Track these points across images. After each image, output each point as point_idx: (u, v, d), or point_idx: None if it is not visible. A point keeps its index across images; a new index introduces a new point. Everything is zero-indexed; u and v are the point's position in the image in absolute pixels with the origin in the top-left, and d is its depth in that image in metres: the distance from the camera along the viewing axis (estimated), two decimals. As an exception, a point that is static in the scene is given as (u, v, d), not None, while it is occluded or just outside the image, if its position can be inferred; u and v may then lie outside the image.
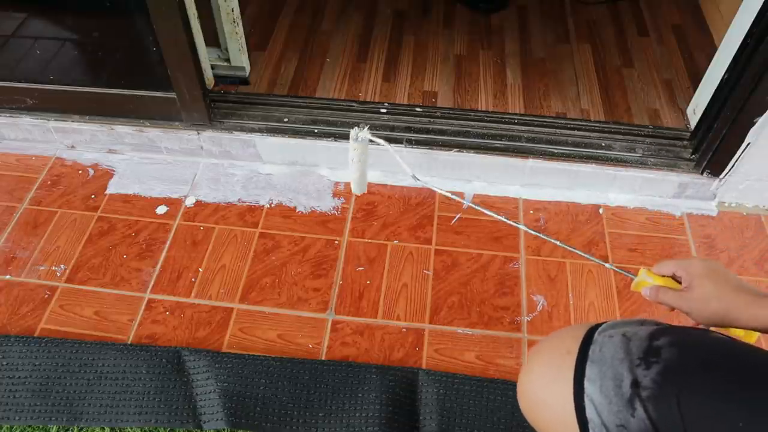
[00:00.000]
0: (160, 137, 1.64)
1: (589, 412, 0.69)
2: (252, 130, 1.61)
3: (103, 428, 1.21)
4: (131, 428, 1.21)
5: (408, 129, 1.61)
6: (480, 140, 1.59)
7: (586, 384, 0.70)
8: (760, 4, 1.27)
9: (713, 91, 1.46)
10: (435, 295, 1.42)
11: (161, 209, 1.58)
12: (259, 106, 1.66)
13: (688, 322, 0.78)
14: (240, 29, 1.67)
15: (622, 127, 1.64)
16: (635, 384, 0.66)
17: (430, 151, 1.57)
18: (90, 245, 1.51)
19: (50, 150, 1.72)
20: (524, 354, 1.32)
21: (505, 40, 2.03)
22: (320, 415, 1.21)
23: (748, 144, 1.43)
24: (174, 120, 1.62)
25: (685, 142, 1.59)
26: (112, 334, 1.35)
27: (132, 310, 1.39)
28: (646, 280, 0.83)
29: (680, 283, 0.79)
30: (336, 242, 1.51)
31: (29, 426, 1.21)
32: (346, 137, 1.59)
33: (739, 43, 1.35)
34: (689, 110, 1.71)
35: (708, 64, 1.56)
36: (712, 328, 0.76)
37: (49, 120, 1.65)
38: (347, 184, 1.63)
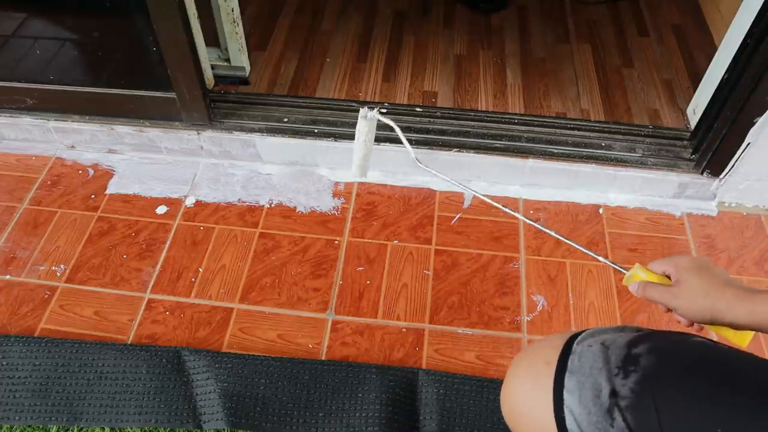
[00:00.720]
0: (160, 137, 1.64)
1: (569, 423, 0.69)
2: (252, 130, 1.61)
3: (103, 428, 1.21)
4: (131, 428, 1.21)
5: (408, 129, 1.61)
6: (480, 140, 1.59)
7: (566, 395, 0.70)
8: (760, 4, 1.27)
9: (713, 91, 1.46)
10: (435, 295, 1.42)
11: (161, 209, 1.58)
12: (259, 106, 1.66)
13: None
14: (240, 29, 1.67)
15: (622, 127, 1.64)
16: (614, 393, 0.66)
17: (430, 151, 1.57)
18: (90, 245, 1.51)
19: (50, 150, 1.72)
20: (524, 354, 1.32)
21: (505, 40, 2.03)
22: (320, 415, 1.21)
23: (748, 144, 1.43)
24: (174, 120, 1.62)
25: (685, 142, 1.59)
26: (112, 334, 1.35)
27: (132, 310, 1.39)
28: (638, 274, 0.81)
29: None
30: (336, 242, 1.51)
31: (29, 426, 1.21)
32: (346, 137, 1.60)
33: (739, 43, 1.35)
34: (689, 110, 1.71)
35: (708, 64, 1.56)
36: (694, 328, 0.75)
37: (49, 120, 1.65)
38: (347, 184, 1.63)
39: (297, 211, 1.58)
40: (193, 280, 1.44)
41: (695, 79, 1.82)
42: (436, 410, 1.22)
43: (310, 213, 1.57)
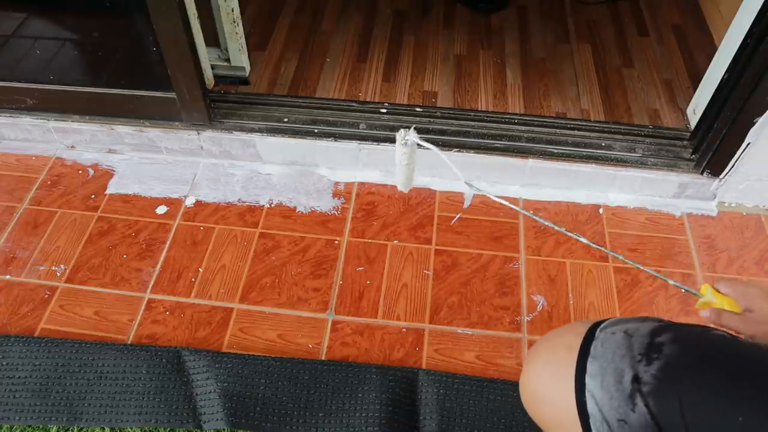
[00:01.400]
0: (160, 137, 1.64)
1: (590, 407, 0.69)
2: (252, 130, 1.61)
3: (103, 428, 1.21)
4: (131, 428, 1.21)
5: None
6: (480, 140, 1.59)
7: (588, 380, 0.71)
8: (760, 4, 1.27)
9: (713, 91, 1.46)
10: (435, 295, 1.42)
11: (161, 209, 1.58)
12: (259, 106, 1.66)
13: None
14: (240, 29, 1.67)
15: (622, 127, 1.64)
16: (636, 379, 0.66)
17: (430, 151, 1.57)
18: (90, 245, 1.51)
19: (50, 150, 1.72)
20: (524, 354, 1.32)
21: (505, 40, 2.03)
22: (320, 415, 1.21)
23: (748, 144, 1.43)
24: (174, 120, 1.62)
25: (685, 142, 1.59)
26: (112, 334, 1.35)
27: (132, 310, 1.39)
28: (711, 301, 0.83)
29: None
30: (336, 242, 1.51)
31: (29, 426, 1.21)
32: (346, 137, 1.60)
33: (739, 43, 1.35)
34: (689, 110, 1.71)
35: (708, 64, 1.56)
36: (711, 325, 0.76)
37: (49, 120, 1.65)
38: (347, 184, 1.63)
39: (297, 211, 1.58)
40: (193, 280, 1.44)
41: (695, 79, 1.82)
42: (436, 410, 1.22)
43: (310, 213, 1.57)
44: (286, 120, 1.62)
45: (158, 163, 1.69)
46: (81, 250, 1.50)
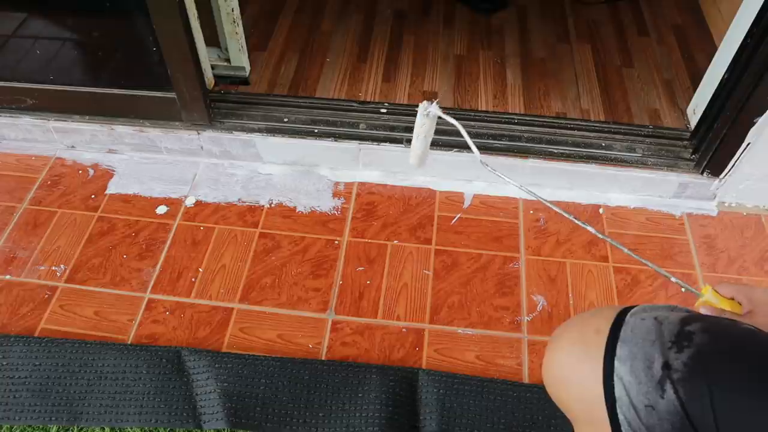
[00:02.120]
0: (160, 137, 1.64)
1: (618, 391, 0.69)
2: (252, 130, 1.61)
3: (103, 428, 1.21)
4: (131, 428, 1.21)
5: (408, 129, 1.60)
6: (480, 140, 1.59)
7: (617, 363, 0.70)
8: (760, 4, 1.27)
9: (713, 91, 1.46)
10: (435, 295, 1.42)
11: (161, 209, 1.58)
12: (259, 106, 1.66)
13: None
14: (240, 29, 1.67)
15: (622, 127, 1.64)
16: (666, 366, 0.66)
17: (430, 151, 1.56)
18: (90, 245, 1.51)
19: (50, 150, 1.72)
20: (524, 354, 1.32)
21: (505, 40, 2.03)
22: (320, 415, 1.21)
23: (748, 144, 1.43)
24: (174, 120, 1.61)
25: (685, 142, 1.59)
26: (112, 334, 1.35)
27: (132, 310, 1.39)
28: (711, 301, 0.83)
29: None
30: (336, 242, 1.51)
31: (29, 426, 1.21)
32: (346, 137, 1.60)
33: (739, 43, 1.36)
34: (689, 110, 1.71)
35: (708, 64, 1.56)
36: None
37: (49, 120, 1.65)
38: (347, 184, 1.63)
39: (297, 211, 1.58)
40: (193, 280, 1.44)
41: (695, 79, 1.82)
42: (436, 410, 1.22)
43: (310, 213, 1.57)
44: (286, 120, 1.62)
45: (158, 163, 1.69)
46: (81, 250, 1.50)
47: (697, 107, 1.61)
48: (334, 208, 1.58)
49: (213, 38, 1.70)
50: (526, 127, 1.62)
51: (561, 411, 0.81)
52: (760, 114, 1.37)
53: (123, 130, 1.64)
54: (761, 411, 0.60)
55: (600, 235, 0.89)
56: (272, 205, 1.59)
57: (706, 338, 0.67)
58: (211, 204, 1.59)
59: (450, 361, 1.31)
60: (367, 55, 1.95)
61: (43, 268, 1.46)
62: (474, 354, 1.32)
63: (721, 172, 1.52)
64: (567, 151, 1.57)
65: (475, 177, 1.62)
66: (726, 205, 1.61)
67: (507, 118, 1.65)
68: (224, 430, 1.20)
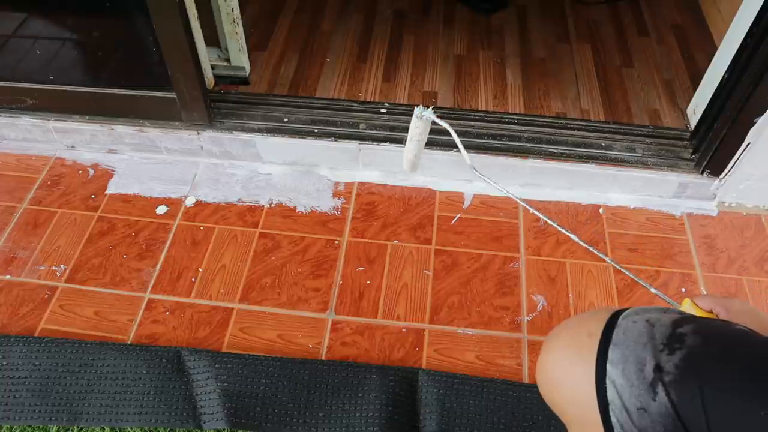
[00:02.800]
0: (160, 137, 1.64)
1: (611, 394, 0.69)
2: (252, 130, 1.61)
3: (103, 428, 1.21)
4: (131, 428, 1.21)
5: (408, 129, 1.61)
6: (480, 140, 1.59)
7: (609, 367, 0.71)
8: (760, 4, 1.27)
9: (713, 91, 1.46)
10: (435, 295, 1.42)
11: (161, 209, 1.58)
12: (259, 106, 1.66)
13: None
14: (240, 29, 1.67)
15: (622, 127, 1.64)
16: (658, 368, 0.66)
17: (430, 151, 1.57)
18: (90, 245, 1.51)
19: (50, 150, 1.72)
20: (524, 354, 1.32)
21: (505, 40, 2.03)
22: (320, 415, 1.21)
23: (748, 144, 1.43)
24: (174, 120, 1.61)
25: (685, 142, 1.59)
26: (112, 334, 1.35)
27: (132, 310, 1.39)
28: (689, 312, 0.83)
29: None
30: (336, 242, 1.51)
31: (29, 426, 1.21)
32: (346, 137, 1.60)
33: (739, 43, 1.35)
34: (689, 110, 1.71)
35: (708, 64, 1.56)
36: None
37: (49, 120, 1.65)
38: (347, 184, 1.63)
39: (297, 211, 1.58)
40: (193, 280, 1.44)
41: (695, 79, 1.82)
42: (436, 410, 1.22)
43: (310, 213, 1.57)
44: (286, 120, 1.62)
45: (158, 163, 1.69)
46: (81, 250, 1.50)
47: (697, 107, 1.61)
48: (334, 208, 1.58)
49: (213, 38, 1.70)
50: (526, 127, 1.62)
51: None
52: (760, 114, 1.37)
53: (123, 130, 1.64)
54: (752, 411, 0.60)
55: (576, 238, 0.90)
56: (272, 205, 1.59)
57: (697, 340, 0.67)
58: (211, 204, 1.59)
59: (450, 361, 1.31)
60: (367, 55, 1.95)
61: (43, 268, 1.46)
62: (474, 354, 1.32)
63: (721, 172, 1.52)
64: (567, 151, 1.57)
65: (475, 177, 1.62)
66: (726, 205, 1.61)
67: (507, 118, 1.65)
68: (224, 430, 1.20)
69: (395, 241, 1.52)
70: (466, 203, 1.60)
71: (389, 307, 1.40)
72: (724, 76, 1.41)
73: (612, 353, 0.71)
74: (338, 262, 1.48)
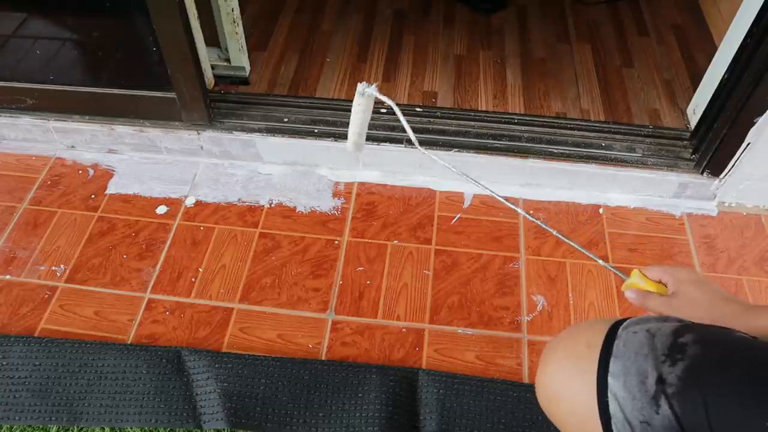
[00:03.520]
0: (160, 137, 1.64)
1: (613, 408, 0.68)
2: (252, 130, 1.61)
3: (103, 428, 1.21)
4: (131, 428, 1.21)
5: (406, 130, 1.61)
6: (480, 140, 1.59)
7: (610, 379, 0.70)
8: (760, 4, 1.27)
9: (713, 91, 1.46)
10: (435, 295, 1.42)
11: (161, 209, 1.58)
12: (259, 106, 1.66)
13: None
14: (240, 29, 1.67)
15: (622, 127, 1.64)
16: (660, 380, 0.66)
17: (430, 151, 1.57)
18: (90, 245, 1.51)
19: (50, 150, 1.72)
20: (524, 354, 1.32)
21: (505, 40, 2.03)
22: (320, 415, 1.21)
23: (748, 144, 1.43)
24: (174, 120, 1.62)
25: (685, 142, 1.59)
26: (112, 334, 1.35)
27: (132, 310, 1.39)
28: (637, 283, 0.83)
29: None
30: (336, 242, 1.51)
31: (29, 426, 1.21)
32: (346, 137, 1.60)
33: (739, 43, 1.35)
34: (689, 110, 1.71)
35: (708, 64, 1.56)
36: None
37: (49, 120, 1.65)
38: (348, 184, 1.63)
39: (297, 211, 1.58)
40: (193, 280, 1.44)
41: (695, 79, 1.82)
42: (436, 410, 1.22)
43: (310, 213, 1.57)
44: (286, 120, 1.62)
45: (158, 163, 1.69)
46: (81, 250, 1.50)
47: (697, 107, 1.61)
48: (334, 208, 1.58)
49: (213, 38, 1.71)
50: (526, 127, 1.62)
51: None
52: (760, 114, 1.37)
53: (123, 130, 1.64)
54: (751, 417, 0.60)
55: (546, 226, 0.90)
56: (272, 205, 1.59)
57: (698, 350, 0.66)
58: (211, 204, 1.59)
59: (450, 361, 1.31)
60: (367, 55, 1.96)
61: (43, 268, 1.46)
62: (474, 354, 1.32)
63: (721, 172, 1.52)
64: (567, 151, 1.57)
65: (476, 177, 1.62)
66: (726, 205, 1.61)
67: (507, 118, 1.65)
68: (224, 430, 1.20)
69: (395, 241, 1.52)
70: (466, 203, 1.60)
71: (389, 307, 1.40)
72: (724, 76, 1.41)
73: (613, 365, 0.70)
74: (338, 262, 1.48)
